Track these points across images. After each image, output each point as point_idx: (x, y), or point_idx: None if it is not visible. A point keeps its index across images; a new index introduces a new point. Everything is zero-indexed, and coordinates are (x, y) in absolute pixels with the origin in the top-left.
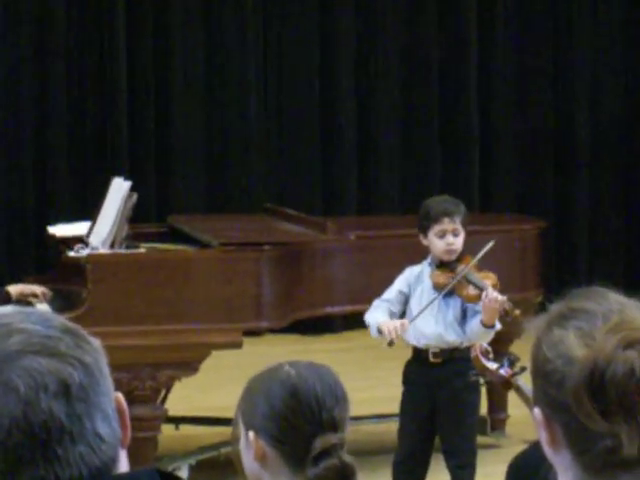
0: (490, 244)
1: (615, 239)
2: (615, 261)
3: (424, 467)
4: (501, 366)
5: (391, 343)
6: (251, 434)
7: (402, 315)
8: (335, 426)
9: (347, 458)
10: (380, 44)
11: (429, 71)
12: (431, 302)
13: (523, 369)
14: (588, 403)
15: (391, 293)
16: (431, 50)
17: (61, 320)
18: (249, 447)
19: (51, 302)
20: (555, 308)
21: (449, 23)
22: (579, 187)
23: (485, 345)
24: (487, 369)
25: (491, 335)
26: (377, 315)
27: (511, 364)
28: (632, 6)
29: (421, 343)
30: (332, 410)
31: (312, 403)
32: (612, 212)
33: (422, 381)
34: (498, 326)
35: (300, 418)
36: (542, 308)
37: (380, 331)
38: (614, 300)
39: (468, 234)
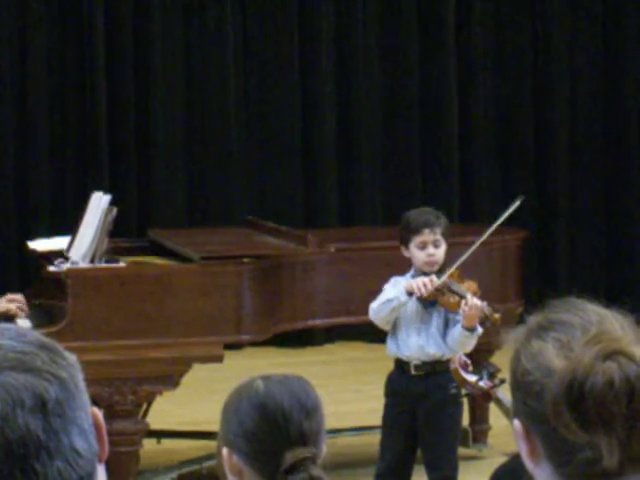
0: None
1: (595, 250)
2: (595, 272)
3: (406, 479)
4: (480, 378)
5: (421, 297)
6: (225, 450)
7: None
8: (305, 440)
9: (317, 472)
10: (361, 55)
11: (410, 83)
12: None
13: (502, 381)
14: (567, 415)
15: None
16: (411, 62)
17: (36, 335)
18: (225, 463)
19: (31, 317)
20: (533, 319)
21: (428, 35)
22: (559, 197)
23: (464, 358)
24: (466, 381)
25: (474, 340)
26: (389, 293)
27: (490, 376)
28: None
29: (403, 355)
30: (301, 424)
31: (279, 419)
32: (593, 223)
33: (404, 394)
34: (479, 329)
35: (268, 435)
36: (522, 319)
37: (409, 292)
38: (592, 311)
39: (448, 245)
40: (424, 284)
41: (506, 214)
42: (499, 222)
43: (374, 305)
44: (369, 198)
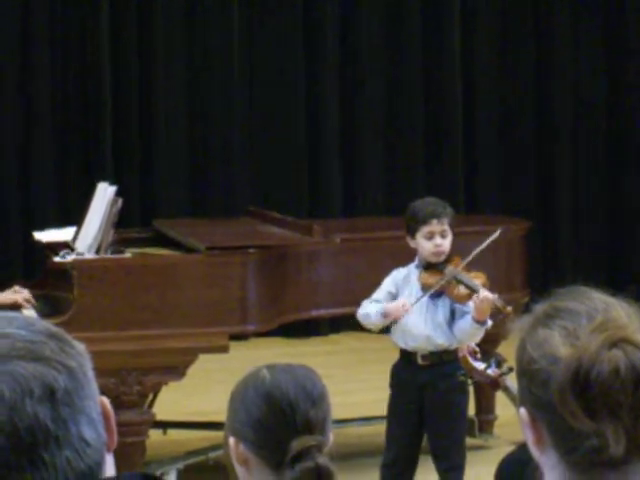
0: (485, 244)
1: (599, 238)
2: (599, 260)
3: (412, 469)
4: (489, 366)
5: (394, 323)
6: (232, 440)
7: None
8: (311, 429)
9: (323, 460)
10: (365, 46)
11: (413, 73)
12: (422, 296)
13: (510, 369)
14: (573, 402)
15: (380, 294)
16: (414, 53)
17: (45, 324)
18: (232, 452)
19: (36, 308)
20: (539, 308)
21: (432, 29)
22: (563, 186)
23: (473, 345)
24: (475, 369)
25: (482, 333)
26: (373, 306)
27: (498, 364)
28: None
29: (409, 346)
30: (307, 413)
31: (285, 408)
32: (596, 211)
33: (410, 383)
34: (489, 323)
35: (274, 423)
36: (529, 308)
37: (385, 315)
38: (598, 299)
39: (453, 235)
40: (398, 309)
41: (485, 244)
42: (478, 250)
43: (359, 312)
44: (373, 189)
